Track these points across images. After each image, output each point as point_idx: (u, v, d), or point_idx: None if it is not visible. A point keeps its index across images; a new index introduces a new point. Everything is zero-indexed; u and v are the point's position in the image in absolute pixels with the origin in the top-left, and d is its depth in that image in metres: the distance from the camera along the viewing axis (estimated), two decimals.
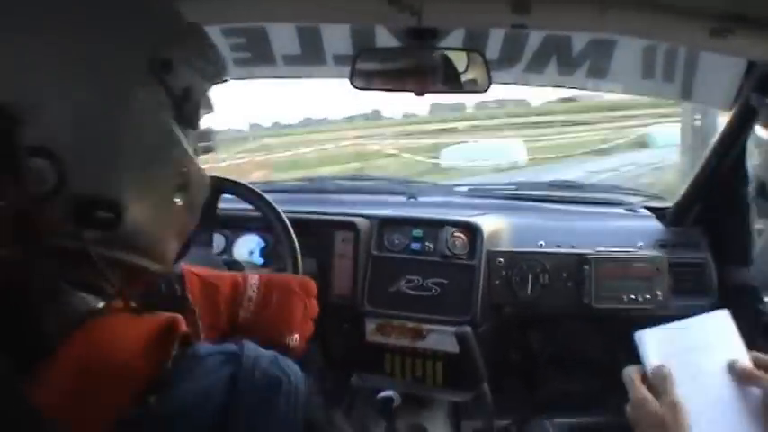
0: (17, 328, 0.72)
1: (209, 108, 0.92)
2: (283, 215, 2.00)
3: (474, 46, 2.18)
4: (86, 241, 0.76)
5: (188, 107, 0.85)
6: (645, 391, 1.15)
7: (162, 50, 0.81)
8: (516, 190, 3.04)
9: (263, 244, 2.42)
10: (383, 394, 2.26)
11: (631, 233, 2.52)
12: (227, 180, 1.99)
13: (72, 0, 0.77)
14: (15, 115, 0.70)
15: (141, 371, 0.74)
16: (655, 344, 1.19)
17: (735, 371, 1.14)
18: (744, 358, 1.16)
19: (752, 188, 2.18)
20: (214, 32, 2.21)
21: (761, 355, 1.16)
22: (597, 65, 2.48)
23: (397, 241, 2.44)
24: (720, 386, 1.15)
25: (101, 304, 0.80)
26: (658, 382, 1.14)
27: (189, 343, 0.80)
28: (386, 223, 2.48)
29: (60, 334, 0.74)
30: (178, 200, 0.87)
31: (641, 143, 18.26)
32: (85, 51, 0.76)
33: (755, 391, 1.13)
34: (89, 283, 0.80)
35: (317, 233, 2.43)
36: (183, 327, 0.81)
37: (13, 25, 0.73)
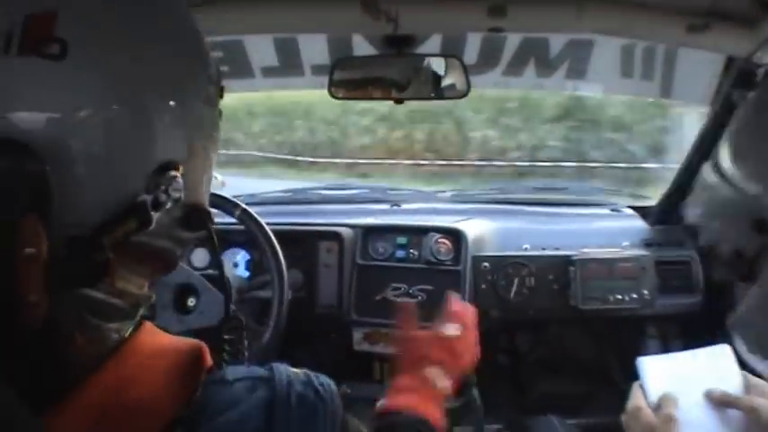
0: (40, 367, 0.70)
1: None
2: (267, 228, 1.99)
3: (452, 51, 2.17)
4: (184, 242, 0.84)
5: None
6: (642, 401, 1.17)
7: (220, 80, 0.87)
8: (499, 194, 3.04)
9: (248, 257, 2.39)
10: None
11: (616, 233, 2.52)
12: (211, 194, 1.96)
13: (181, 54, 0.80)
14: (44, 156, 0.67)
15: (167, 408, 0.73)
16: (654, 371, 1.21)
17: (712, 399, 1.16)
18: (737, 391, 1.16)
19: None
20: None
21: (757, 382, 1.16)
22: (576, 66, 2.49)
23: (381, 249, 2.43)
24: (707, 416, 1.16)
25: (128, 330, 0.77)
26: (661, 400, 1.16)
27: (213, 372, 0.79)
28: (370, 232, 2.48)
29: (88, 371, 0.72)
30: None
31: None
32: (199, 82, 0.81)
33: (736, 414, 1.14)
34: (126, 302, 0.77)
35: (301, 244, 2.43)
36: (208, 359, 0.79)
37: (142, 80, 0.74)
